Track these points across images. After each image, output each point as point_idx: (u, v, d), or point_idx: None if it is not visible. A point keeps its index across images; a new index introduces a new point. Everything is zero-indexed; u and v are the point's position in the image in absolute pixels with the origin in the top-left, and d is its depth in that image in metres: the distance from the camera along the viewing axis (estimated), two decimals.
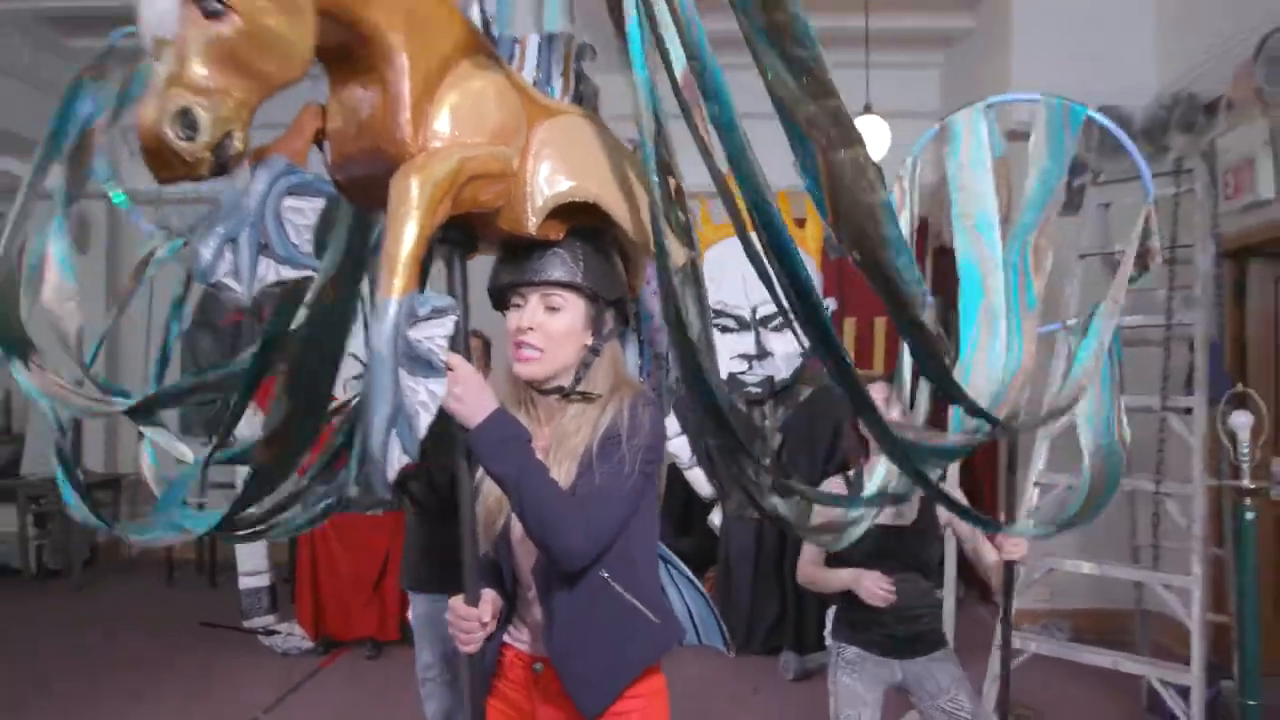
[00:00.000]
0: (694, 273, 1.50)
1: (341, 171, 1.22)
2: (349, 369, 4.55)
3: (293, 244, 1.28)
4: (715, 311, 4.55)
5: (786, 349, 4.54)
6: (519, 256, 1.39)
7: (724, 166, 1.21)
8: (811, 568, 2.30)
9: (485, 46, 1.28)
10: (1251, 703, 2.64)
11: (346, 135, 1.18)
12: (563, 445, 1.40)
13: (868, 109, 4.69)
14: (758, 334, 4.55)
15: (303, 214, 1.31)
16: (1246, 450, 2.63)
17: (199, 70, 0.94)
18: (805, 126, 1.09)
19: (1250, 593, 2.65)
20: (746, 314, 4.55)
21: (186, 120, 0.93)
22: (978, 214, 1.56)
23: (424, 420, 1.12)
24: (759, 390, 4.55)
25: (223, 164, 0.98)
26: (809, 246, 4.68)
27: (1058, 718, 3.56)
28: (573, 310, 1.40)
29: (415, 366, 1.12)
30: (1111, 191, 3.74)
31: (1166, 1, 4.88)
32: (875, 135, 4.59)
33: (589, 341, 1.42)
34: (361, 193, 1.24)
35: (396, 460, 1.11)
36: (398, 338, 1.09)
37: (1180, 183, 3.44)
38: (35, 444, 6.18)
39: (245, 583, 4.60)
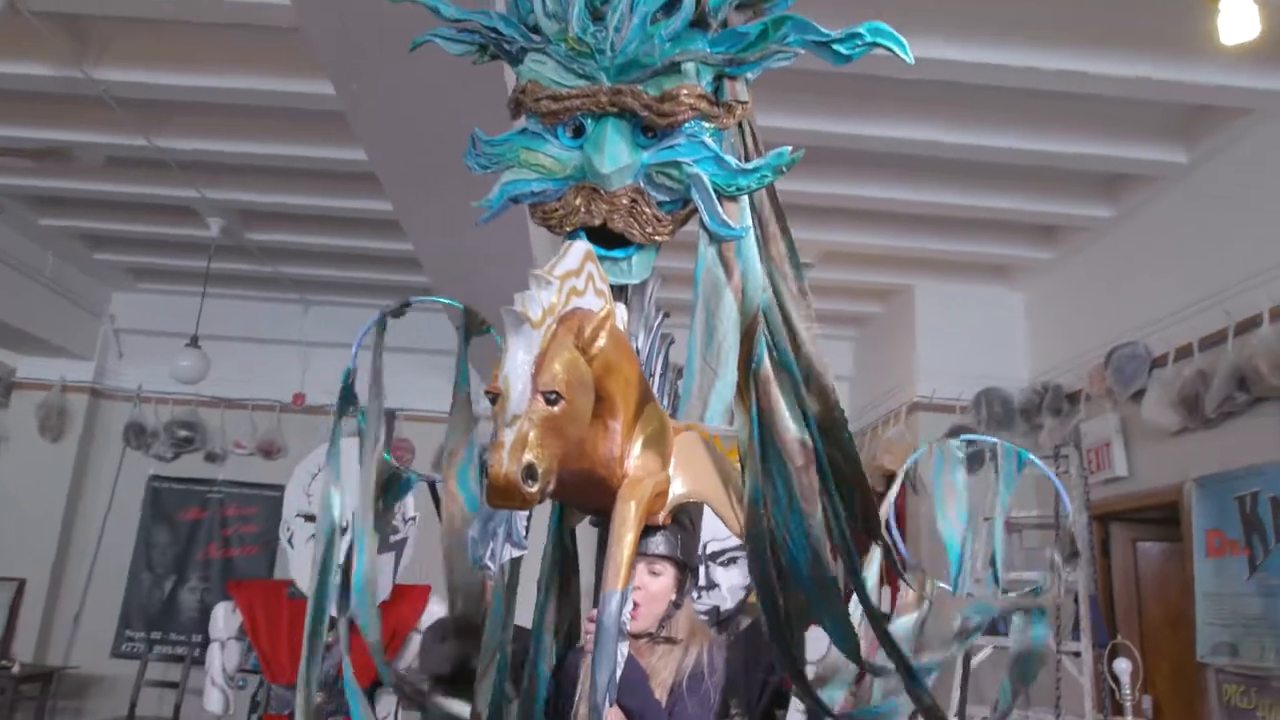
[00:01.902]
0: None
1: (558, 481, 1.53)
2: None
3: (520, 533, 1.85)
4: None
5: (731, 581, 5.06)
6: None
7: None
8: None
9: (652, 393, 1.88)
10: None
11: (569, 458, 1.49)
12: (654, 678, 1.84)
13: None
14: (707, 568, 5.09)
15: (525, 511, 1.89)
16: (1128, 690, 3.30)
17: (536, 437, 1.33)
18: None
19: None
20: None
21: (529, 472, 1.29)
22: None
23: (618, 674, 1.54)
24: (705, 618, 5.02)
25: (543, 499, 1.38)
26: None
27: None
28: (667, 575, 1.90)
29: (621, 636, 1.53)
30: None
31: (1034, 310, 6.11)
32: None
33: (674, 598, 1.91)
34: (570, 496, 1.66)
35: (610, 703, 1.50)
36: (620, 618, 1.49)
37: (1059, 465, 4.32)
38: None
39: None
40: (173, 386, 6.34)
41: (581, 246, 1.60)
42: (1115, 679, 3.29)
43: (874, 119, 4.21)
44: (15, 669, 5.84)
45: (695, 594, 5.18)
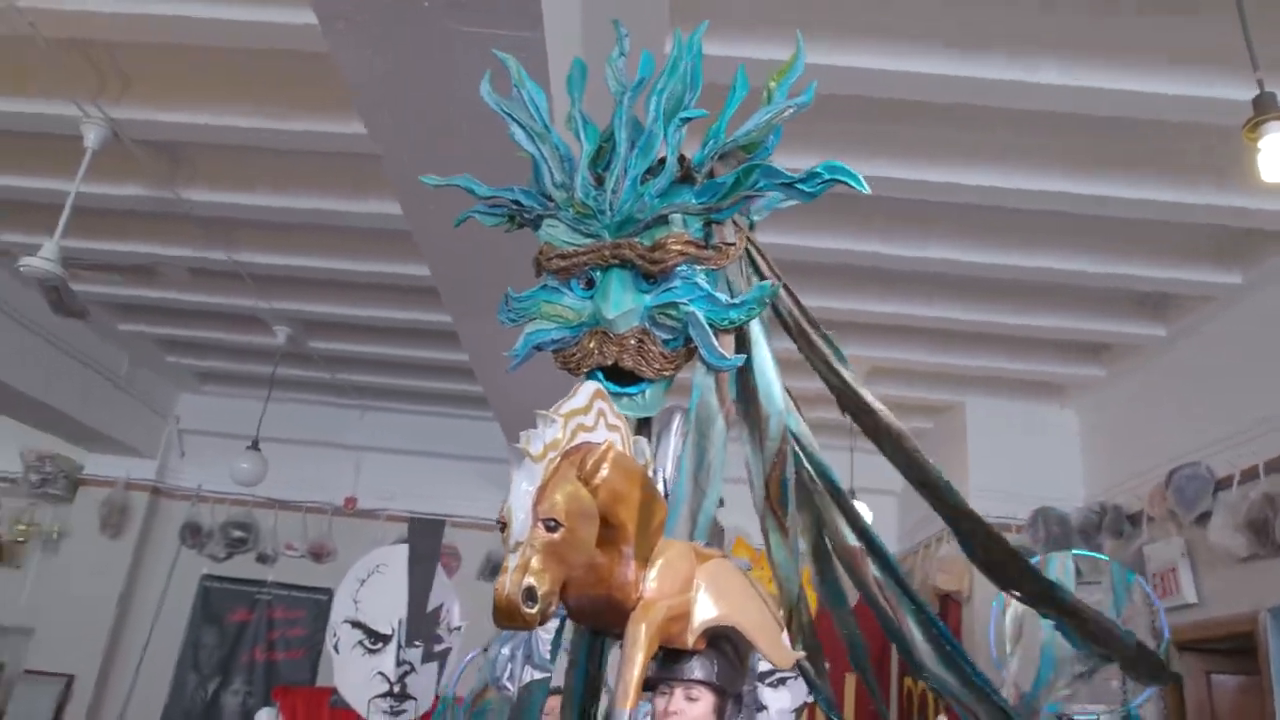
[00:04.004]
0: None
1: (575, 604, 1.66)
2: (375, 687, 4.83)
3: (542, 655, 1.87)
4: None
5: (781, 704, 4.93)
6: (668, 657, 1.85)
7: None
8: None
9: None
10: None
11: (586, 582, 1.60)
12: None
13: (853, 493, 5.53)
14: (755, 688, 4.96)
15: (547, 630, 1.92)
16: None
17: (537, 563, 1.43)
18: None
19: None
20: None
21: (530, 594, 1.39)
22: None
23: None
24: None
25: (545, 620, 1.47)
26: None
27: None
28: (705, 701, 1.88)
29: None
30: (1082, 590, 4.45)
31: (1089, 429, 6.01)
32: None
33: None
34: (587, 618, 1.74)
35: None
36: None
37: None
38: None
39: None
40: (230, 486, 6.49)
41: (590, 386, 1.71)
42: None
43: (926, 241, 4.32)
44: None
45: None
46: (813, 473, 1.95)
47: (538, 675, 1.76)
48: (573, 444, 1.55)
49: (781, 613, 1.96)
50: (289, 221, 4.61)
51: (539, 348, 1.85)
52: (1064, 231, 4.20)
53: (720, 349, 1.74)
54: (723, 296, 1.74)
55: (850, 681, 6.01)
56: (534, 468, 1.47)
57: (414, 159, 2.87)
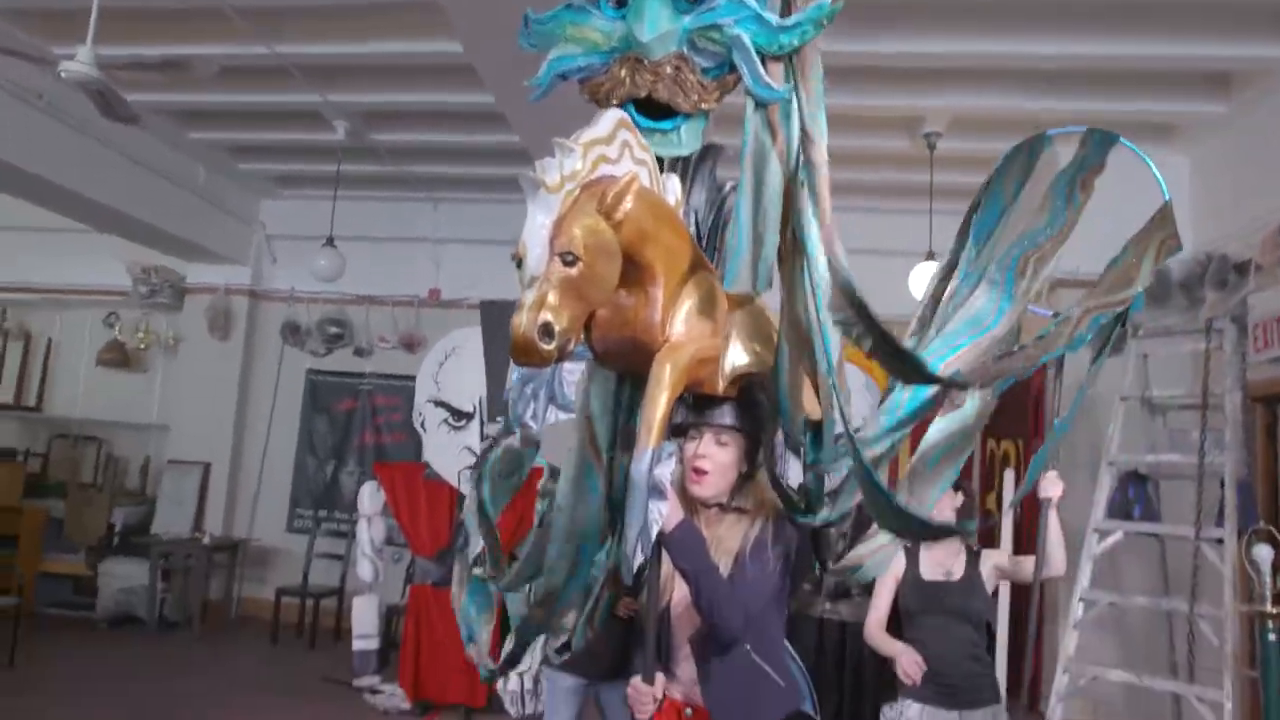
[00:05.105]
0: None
1: (601, 345, 1.65)
2: (464, 460, 5.09)
3: (568, 395, 1.86)
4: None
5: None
6: (699, 403, 1.85)
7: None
8: (877, 630, 2.72)
9: (705, 262, 1.83)
10: None
11: (612, 324, 1.60)
12: (720, 546, 1.84)
13: (930, 255, 5.30)
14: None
15: (573, 374, 1.90)
16: (1268, 579, 3.06)
17: (554, 298, 1.38)
18: None
19: (1275, 702, 3.04)
20: None
21: (546, 330, 1.35)
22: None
23: (655, 530, 1.57)
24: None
25: (563, 357, 1.42)
26: (875, 373, 5.21)
27: None
28: (734, 446, 1.86)
29: (654, 494, 1.55)
30: (1150, 345, 4.25)
31: (1201, 174, 5.49)
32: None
33: (744, 469, 1.87)
34: (615, 361, 1.70)
35: (639, 558, 1.55)
36: (650, 475, 1.52)
37: (1211, 339, 3.94)
38: (166, 507, 6.87)
39: (358, 645, 5.10)
40: (322, 287, 6.76)
41: (614, 114, 1.56)
42: (1256, 566, 3.05)
43: None
44: (206, 539, 6.63)
45: (784, 468, 5.18)
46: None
47: (562, 416, 1.77)
48: (593, 176, 1.45)
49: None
50: (327, 4, 4.44)
51: (563, 76, 1.69)
52: None
53: (768, 78, 1.55)
54: (772, 17, 1.54)
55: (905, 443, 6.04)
56: (550, 199, 1.38)
57: None
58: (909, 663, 2.58)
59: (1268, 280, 4.64)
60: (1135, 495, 4.45)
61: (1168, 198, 1.93)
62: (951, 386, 1.62)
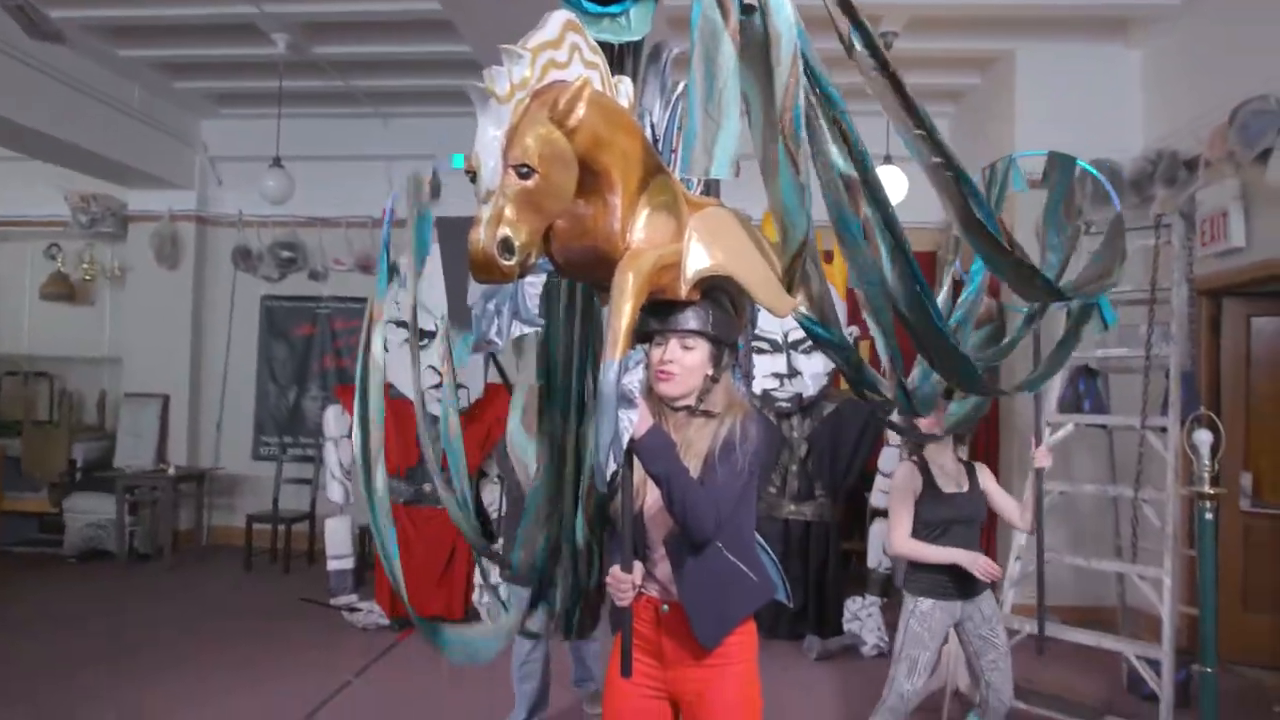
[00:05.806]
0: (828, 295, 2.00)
1: (562, 256, 1.63)
2: (428, 379, 5.11)
3: (530, 309, 1.85)
4: (753, 336, 5.14)
5: (814, 369, 5.11)
6: (662, 309, 1.84)
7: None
8: (908, 543, 2.94)
9: (661, 165, 1.81)
10: (1208, 670, 3.21)
11: (571, 234, 1.58)
12: (690, 449, 1.88)
13: (888, 159, 5.30)
14: (789, 355, 5.14)
15: (535, 286, 1.89)
16: (1207, 463, 3.21)
17: (511, 212, 1.36)
18: None
19: (1209, 577, 3.23)
20: (779, 338, 5.14)
21: (506, 245, 1.34)
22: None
23: (626, 439, 1.59)
24: (789, 405, 5.13)
25: (525, 272, 1.42)
26: (835, 279, 5.26)
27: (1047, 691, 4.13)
28: (700, 350, 1.88)
29: (623, 403, 1.57)
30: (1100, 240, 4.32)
31: (1153, 70, 5.50)
32: (894, 183, 5.19)
33: (710, 373, 1.90)
34: (577, 272, 1.70)
35: (612, 465, 1.57)
36: (618, 385, 1.54)
37: (1159, 235, 4.02)
38: (126, 440, 6.79)
39: (333, 565, 5.17)
40: (271, 210, 6.57)
41: (561, 15, 1.51)
42: (1195, 451, 3.20)
43: None
44: (171, 471, 6.60)
45: (779, 381, 5.31)
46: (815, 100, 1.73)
47: (526, 330, 1.77)
48: (544, 83, 1.42)
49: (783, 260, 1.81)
50: None
51: None
52: None
53: None
54: None
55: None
56: (500, 110, 1.35)
57: None
58: (985, 565, 2.84)
59: (1215, 175, 4.73)
60: (1086, 389, 4.60)
61: (1119, 209, 2.37)
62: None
